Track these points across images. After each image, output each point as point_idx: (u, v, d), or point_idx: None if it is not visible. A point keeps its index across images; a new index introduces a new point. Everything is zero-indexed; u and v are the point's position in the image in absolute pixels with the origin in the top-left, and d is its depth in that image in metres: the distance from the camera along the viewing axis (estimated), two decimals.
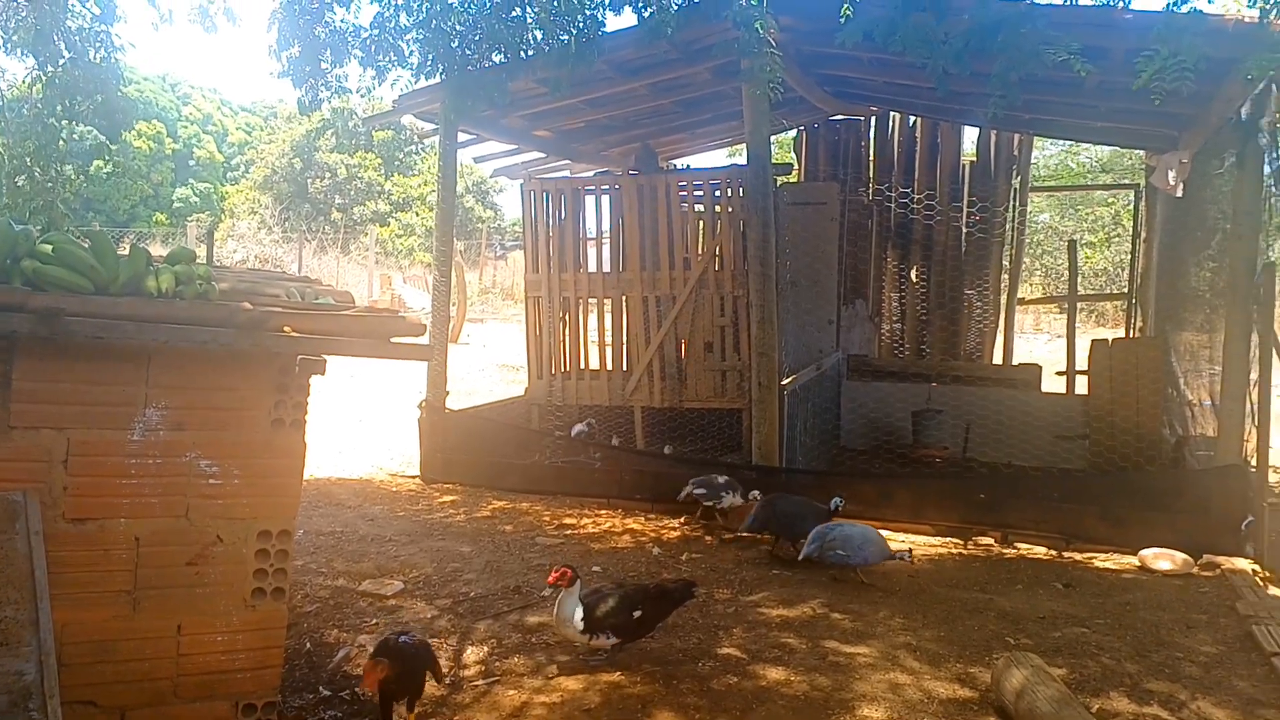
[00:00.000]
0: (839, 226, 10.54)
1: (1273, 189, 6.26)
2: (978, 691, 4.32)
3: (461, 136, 9.17)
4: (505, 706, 4.19)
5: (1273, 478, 9.26)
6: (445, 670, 4.57)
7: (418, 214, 39.23)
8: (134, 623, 3.50)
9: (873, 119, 12.35)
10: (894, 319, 12.57)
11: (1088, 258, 30.09)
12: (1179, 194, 7.18)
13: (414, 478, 8.50)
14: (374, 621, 5.13)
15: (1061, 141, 30.63)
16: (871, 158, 12.49)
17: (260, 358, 3.51)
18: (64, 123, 7.97)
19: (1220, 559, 6.12)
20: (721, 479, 7.14)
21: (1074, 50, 4.91)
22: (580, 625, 4.41)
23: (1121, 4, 5.75)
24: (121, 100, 8.19)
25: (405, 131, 43.44)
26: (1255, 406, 6.24)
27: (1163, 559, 6.16)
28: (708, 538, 6.92)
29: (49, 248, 3.25)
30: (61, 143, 8.01)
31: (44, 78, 7.91)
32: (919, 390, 10.15)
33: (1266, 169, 6.10)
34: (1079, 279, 26.97)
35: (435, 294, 8.71)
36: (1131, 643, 4.92)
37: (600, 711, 4.12)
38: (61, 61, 7.84)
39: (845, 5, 6.03)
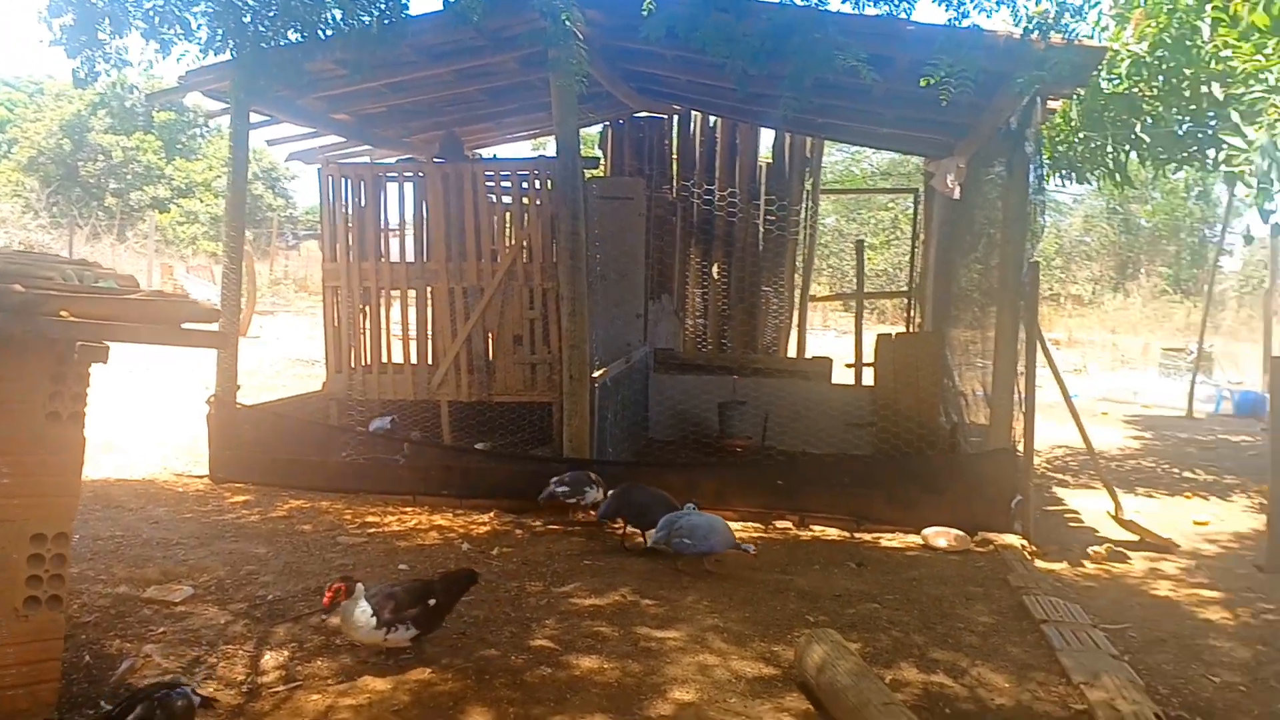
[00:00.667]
0: (645, 222, 10.71)
1: (1037, 195, 6.85)
2: (781, 669, 4.50)
3: (254, 118, 8.67)
4: (308, 712, 4.01)
5: (1035, 460, 10.18)
6: (243, 677, 4.34)
7: (202, 200, 36.84)
8: None
9: (675, 118, 12.62)
10: (697, 314, 12.91)
11: (870, 259, 32.00)
12: (956, 196, 7.74)
13: (202, 477, 7.99)
14: (160, 630, 4.78)
15: (847, 148, 32.57)
16: (675, 155, 12.77)
17: (33, 345, 3.20)
18: None
19: (993, 535, 6.65)
20: (586, 475, 7.08)
21: (861, 58, 5.20)
22: (373, 623, 4.28)
23: (904, 16, 6.08)
24: None
25: (189, 113, 40.73)
26: (1022, 395, 6.81)
27: (942, 537, 6.63)
28: (518, 531, 6.87)
29: None
30: None
31: None
32: (723, 383, 10.47)
33: (1031, 176, 6.66)
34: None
35: (225, 281, 8.20)
36: (918, 616, 5.27)
37: (410, 711, 4.01)
38: None
39: (648, 0, 6.12)
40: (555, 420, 8.27)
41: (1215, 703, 4.35)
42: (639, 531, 6.44)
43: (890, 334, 10.13)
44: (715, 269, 12.72)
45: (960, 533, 6.66)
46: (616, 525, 6.72)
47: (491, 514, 7.21)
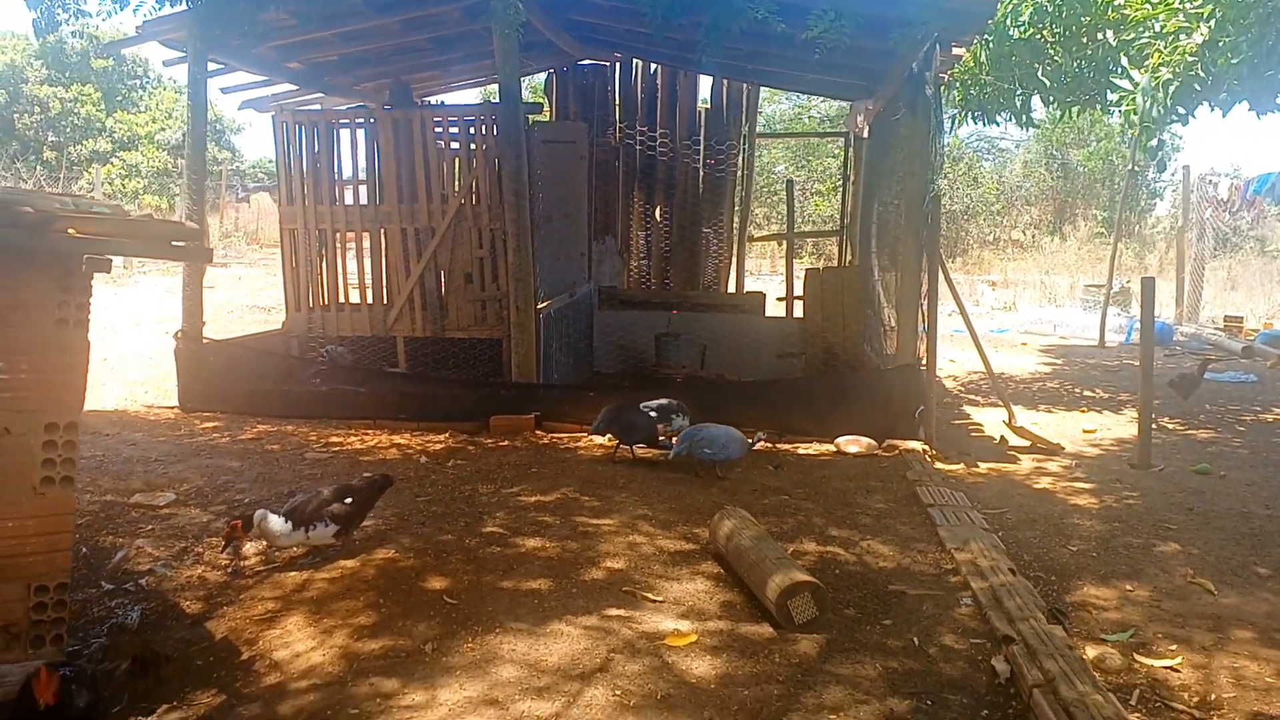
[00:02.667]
0: (588, 165, 11.27)
1: (937, 133, 7.52)
2: (699, 545, 5.20)
3: (210, 66, 9.05)
4: (288, 584, 4.64)
5: (951, 385, 10.99)
6: (226, 563, 4.95)
7: (144, 154, 36.45)
8: None
9: (618, 65, 13.09)
10: (641, 254, 13.51)
11: (816, 205, 32.77)
12: (864, 135, 8.38)
13: (172, 408, 8.50)
14: (149, 527, 5.37)
15: (795, 97, 33.14)
16: (617, 102, 13.26)
17: (45, 259, 3.73)
18: None
19: (899, 442, 7.41)
20: (674, 403, 7.32)
21: (772, 10, 5.78)
22: (289, 528, 4.69)
23: None
24: None
25: (128, 63, 40.09)
26: (925, 314, 7.54)
27: (852, 444, 7.38)
28: (470, 447, 7.49)
29: None
30: None
31: None
32: (662, 318, 11.13)
33: (932, 117, 7.32)
34: (806, 221, 29.24)
35: (189, 218, 8.63)
36: (822, 504, 6.00)
37: (378, 580, 4.65)
38: None
39: None
40: (504, 351, 8.86)
41: (1069, 565, 5.12)
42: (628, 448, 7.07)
43: (819, 268, 10.82)
44: (657, 211, 13.31)
45: (870, 440, 7.41)
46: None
47: (447, 434, 7.81)
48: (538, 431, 7.89)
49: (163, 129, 37.21)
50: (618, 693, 3.53)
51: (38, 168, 32.85)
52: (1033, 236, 32.77)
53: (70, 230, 3.67)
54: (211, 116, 37.51)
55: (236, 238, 29.76)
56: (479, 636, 4.01)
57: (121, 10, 7.80)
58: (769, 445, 7.03)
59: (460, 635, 4.02)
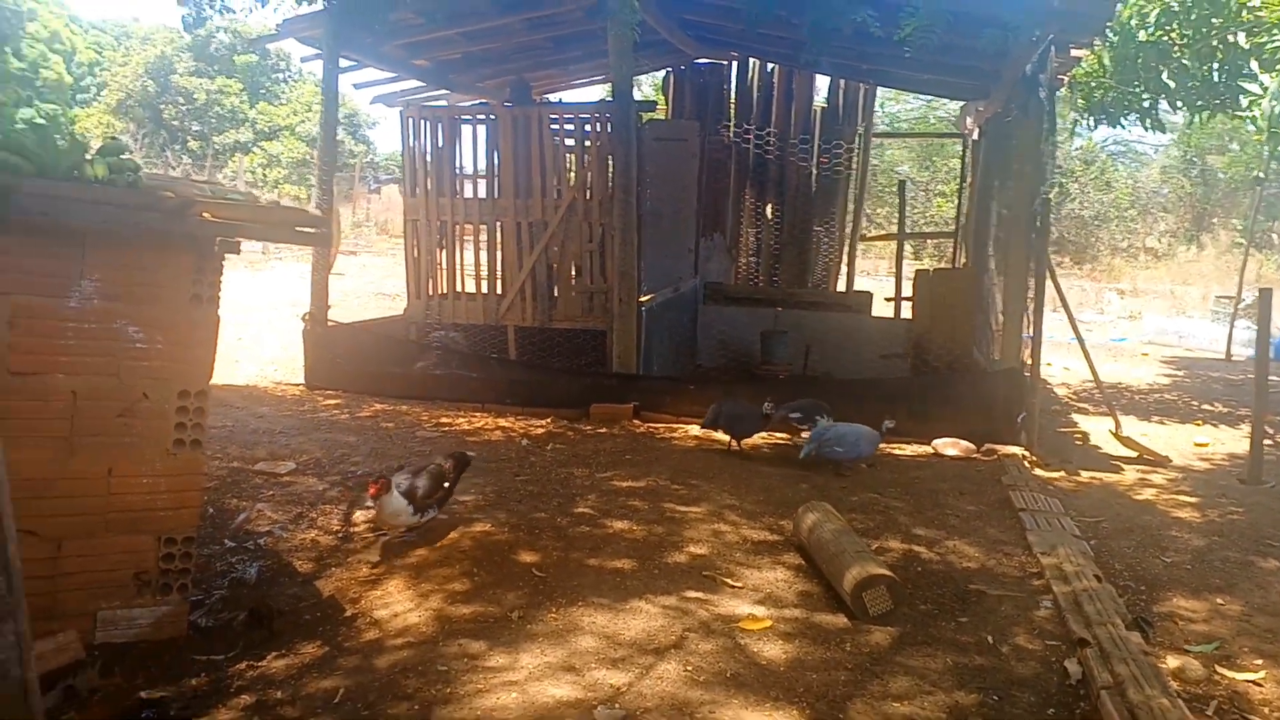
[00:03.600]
0: (699, 163, 11.42)
1: (1050, 136, 7.39)
2: (783, 536, 5.30)
3: (342, 63, 9.57)
4: (391, 549, 4.95)
5: (1062, 392, 10.73)
6: (338, 527, 5.31)
7: (284, 144, 38.30)
8: (70, 465, 4.08)
9: (734, 64, 13.20)
10: (750, 251, 13.59)
11: (940, 206, 32.07)
12: (974, 138, 8.28)
13: (298, 385, 9.04)
14: (270, 493, 5.77)
15: (922, 96, 32.49)
16: (732, 101, 13.37)
17: (182, 240, 4.10)
18: None
19: (998, 446, 7.33)
20: (818, 404, 7.29)
21: (868, 11, 5.82)
22: (410, 509, 4.92)
23: None
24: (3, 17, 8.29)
25: (271, 58, 42.15)
26: (1031, 320, 7.42)
27: (951, 447, 7.33)
28: (570, 433, 7.74)
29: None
30: None
31: None
32: (768, 315, 11.19)
33: (1045, 119, 7.20)
34: (928, 222, 28.68)
35: (319, 208, 9.15)
36: (911, 503, 6.01)
37: (474, 551, 4.92)
38: None
39: None
40: (608, 342, 9.09)
41: (1161, 576, 5.03)
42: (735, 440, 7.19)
43: (928, 270, 10.70)
44: (769, 209, 13.36)
45: (968, 444, 7.35)
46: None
47: (549, 420, 8.09)
48: (635, 420, 8.09)
49: (303, 121, 39.03)
50: (689, 668, 3.69)
51: (184, 156, 34.90)
52: (1168, 245, 31.35)
53: (205, 215, 4.03)
54: (348, 111, 39.29)
55: (368, 228, 30.95)
56: (563, 608, 4.22)
57: (263, 7, 8.40)
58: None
59: (545, 606, 4.24)
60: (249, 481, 5.99)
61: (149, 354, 4.17)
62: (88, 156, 3.98)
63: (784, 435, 7.71)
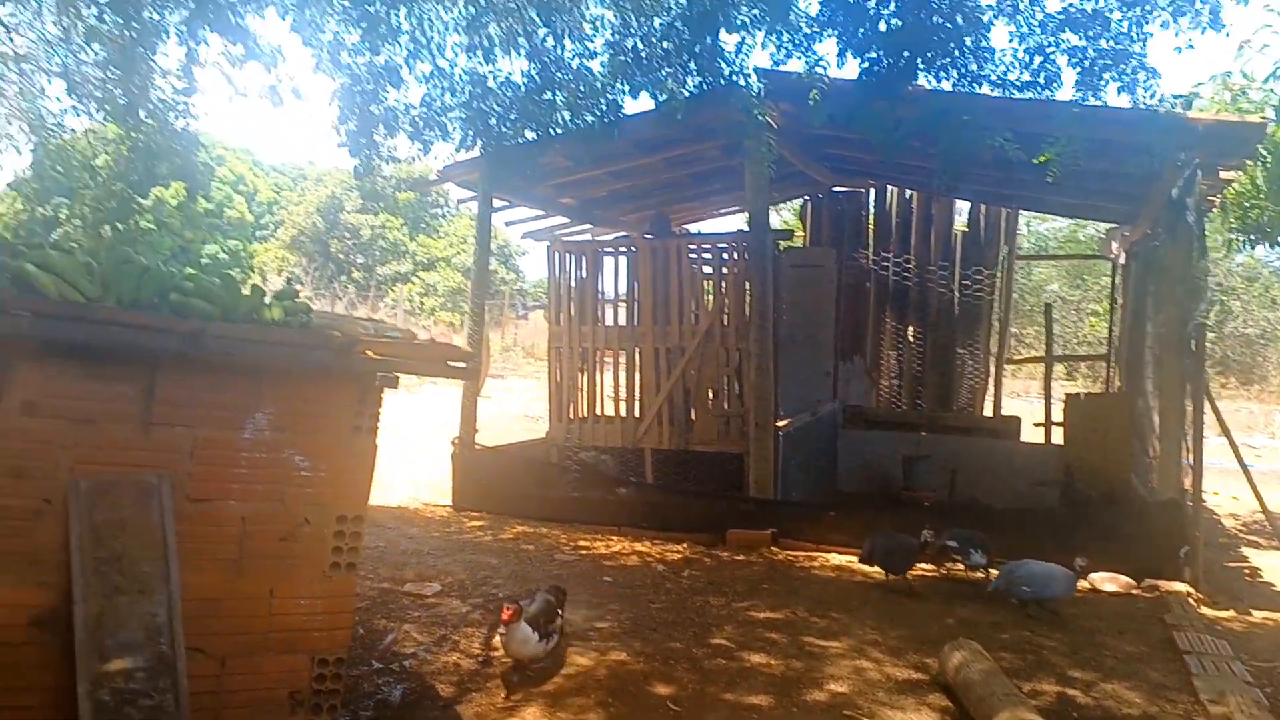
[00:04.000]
0: (836, 288, 11.50)
1: (1200, 259, 7.16)
2: (929, 676, 5.11)
3: (494, 203, 10.21)
4: (529, 677, 5.02)
5: (1230, 524, 10.04)
6: (479, 651, 5.43)
7: (441, 274, 40.47)
8: (237, 585, 4.36)
9: (871, 190, 13.35)
10: (891, 375, 13.43)
11: (1092, 325, 30.96)
12: (1120, 261, 8.08)
13: (445, 506, 9.37)
14: (416, 614, 5.97)
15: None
16: (871, 226, 13.47)
17: (347, 375, 4.43)
18: (146, 183, 9.07)
19: (1161, 583, 6.90)
20: (974, 535, 7.11)
21: (1008, 138, 5.87)
22: (535, 637, 4.91)
23: (1052, 97, 6.60)
24: (197, 164, 9.26)
25: (430, 195, 45.00)
26: (1190, 450, 7.06)
27: (1109, 582, 6.94)
28: (706, 559, 7.73)
29: (190, 283, 4.20)
30: (142, 200, 9.08)
31: (128, 142, 8.98)
32: (910, 439, 10.98)
33: (1195, 242, 7.00)
34: (1080, 343, 27.69)
35: (469, 342, 9.66)
36: (1066, 643, 5.71)
37: (609, 681, 4.94)
38: (144, 130, 8.89)
39: (814, 91, 7.00)
40: (745, 466, 9.10)
41: None
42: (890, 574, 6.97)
43: (1079, 394, 10.35)
44: (909, 332, 13.24)
45: (1128, 579, 6.95)
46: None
47: (685, 545, 8.11)
48: (773, 548, 8.02)
49: (458, 253, 41.27)
50: None
51: (350, 287, 37.26)
52: None
53: (368, 353, 4.35)
54: (500, 242, 41.35)
55: (515, 352, 32.08)
56: None
57: (425, 156, 9.01)
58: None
59: None
60: (397, 602, 6.20)
61: (312, 481, 4.46)
62: (266, 300, 4.38)
63: (929, 566, 7.48)
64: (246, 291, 4.39)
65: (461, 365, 4.57)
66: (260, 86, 9.09)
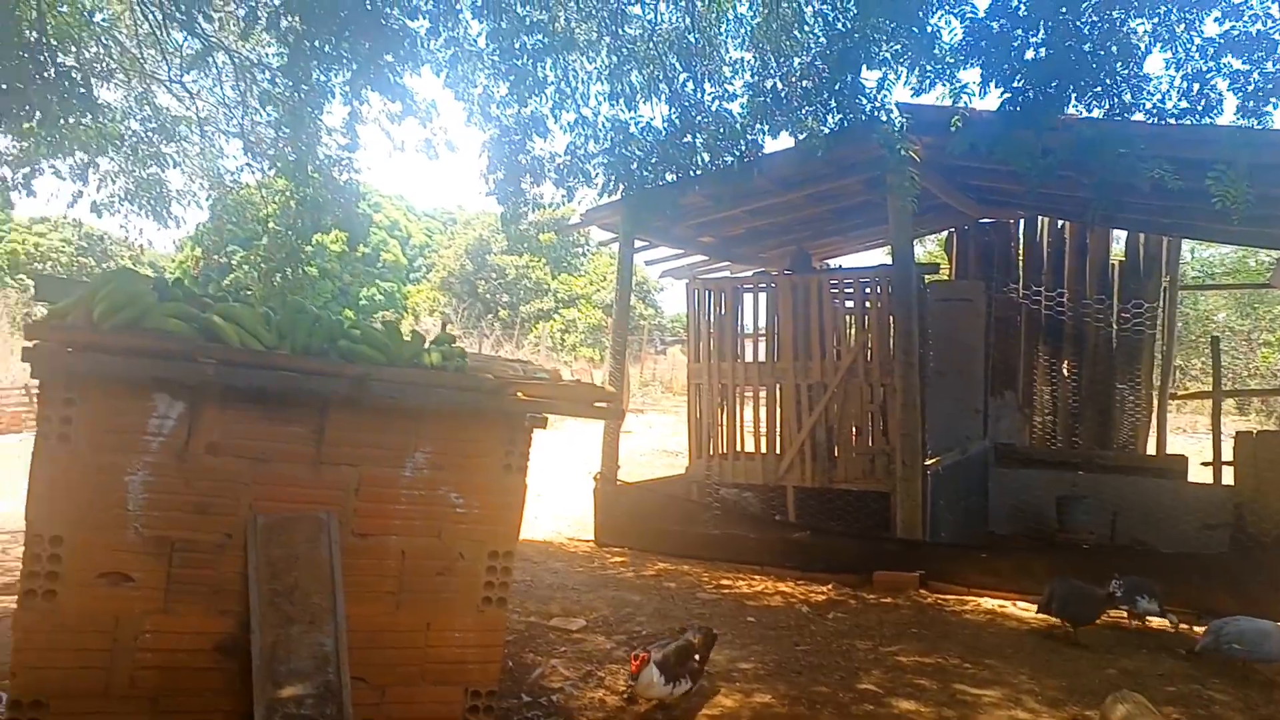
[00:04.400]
0: (985, 322, 11.19)
1: None
2: None
3: (635, 244, 10.41)
4: (672, 716, 5.05)
5: None
6: (624, 688, 5.49)
7: (581, 311, 41.37)
8: (396, 618, 4.57)
9: (1021, 221, 12.95)
10: (1045, 411, 12.92)
11: (1265, 357, 29.02)
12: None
13: (588, 541, 9.54)
14: (563, 649, 6.09)
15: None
16: (1020, 257, 13.06)
17: (499, 416, 4.61)
18: (311, 232, 9.69)
19: None
20: (1143, 582, 6.89)
21: (1165, 167, 5.63)
22: (661, 680, 4.90)
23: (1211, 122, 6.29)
24: (357, 214, 9.83)
25: (571, 235, 46.16)
26: None
27: None
28: (852, 600, 7.60)
29: (357, 331, 4.47)
30: (308, 248, 9.70)
31: (297, 196, 9.61)
32: (1065, 478, 10.53)
33: None
34: (1252, 376, 26.06)
35: (610, 380, 9.86)
36: (1242, 698, 5.36)
37: None
38: (311, 184, 9.50)
39: (955, 118, 6.87)
40: (891, 505, 8.92)
41: None
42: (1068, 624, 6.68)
43: (1251, 431, 9.71)
44: (1064, 366, 12.73)
45: None
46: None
47: (829, 585, 7.99)
48: (922, 590, 7.82)
49: (598, 290, 42.14)
50: None
51: (495, 324, 38.50)
52: None
53: (519, 394, 4.52)
54: (639, 279, 41.93)
55: (654, 386, 32.39)
56: None
57: (569, 202, 9.30)
58: None
59: None
60: (544, 637, 6.34)
61: (467, 517, 4.66)
62: (425, 345, 4.62)
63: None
64: (407, 337, 4.64)
65: (605, 406, 4.69)
66: (417, 140, 9.64)
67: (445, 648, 4.63)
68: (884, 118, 7.55)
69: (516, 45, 8.19)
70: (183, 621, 4.14)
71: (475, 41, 8.56)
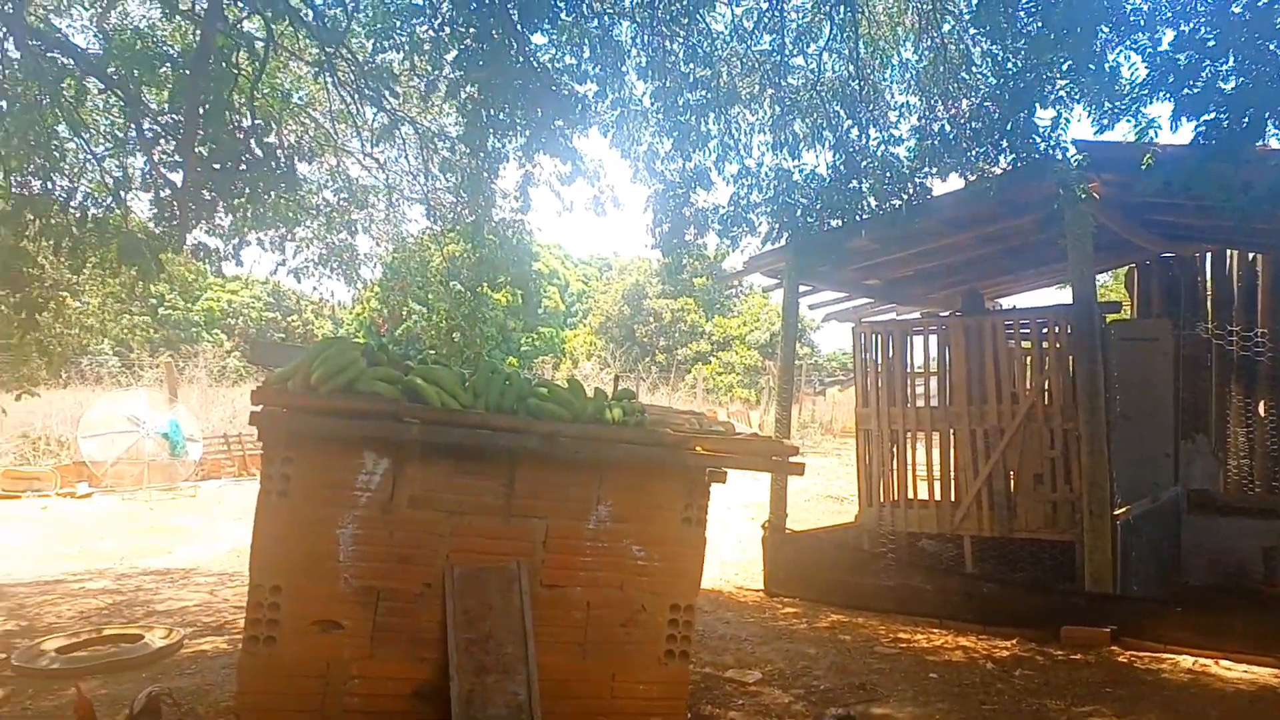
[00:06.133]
0: (1173, 362, 10.58)
1: None
2: None
3: (799, 288, 10.39)
4: None
5: None
6: None
7: (736, 353, 41.39)
8: (583, 668, 4.69)
9: (1208, 255, 12.23)
10: (1241, 454, 12.06)
11: None
12: None
13: (757, 590, 9.48)
14: (740, 702, 6.07)
15: None
16: (1209, 293, 12.31)
17: (678, 470, 4.70)
18: (486, 291, 10.16)
19: None
20: None
21: None
22: None
23: None
24: (532, 274, 10.26)
25: (726, 278, 46.43)
26: None
27: None
28: (1039, 657, 7.27)
29: (545, 389, 4.67)
30: (485, 308, 10.18)
31: (474, 257, 10.09)
32: (1271, 527, 9.77)
33: None
34: None
35: (777, 427, 9.83)
36: None
37: None
38: (488, 245, 9.96)
39: (1148, 155, 6.59)
40: (1076, 556, 8.51)
41: None
42: None
43: None
44: (1260, 407, 11.87)
45: None
46: None
47: (1013, 641, 7.67)
48: (1113, 647, 7.40)
49: (752, 331, 42.12)
50: None
51: (652, 368, 38.96)
52: None
53: (699, 449, 4.60)
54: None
55: (813, 428, 31.98)
56: None
57: (732, 251, 9.42)
58: None
59: None
60: (720, 689, 6.34)
61: (648, 570, 4.76)
62: (607, 402, 4.77)
63: None
64: (590, 394, 4.81)
65: (780, 460, 4.71)
66: (585, 199, 10.01)
67: (630, 699, 4.72)
68: (1059, 156, 7.34)
69: (680, 102, 8.41)
70: (386, 667, 4.38)
71: (640, 101, 8.83)
